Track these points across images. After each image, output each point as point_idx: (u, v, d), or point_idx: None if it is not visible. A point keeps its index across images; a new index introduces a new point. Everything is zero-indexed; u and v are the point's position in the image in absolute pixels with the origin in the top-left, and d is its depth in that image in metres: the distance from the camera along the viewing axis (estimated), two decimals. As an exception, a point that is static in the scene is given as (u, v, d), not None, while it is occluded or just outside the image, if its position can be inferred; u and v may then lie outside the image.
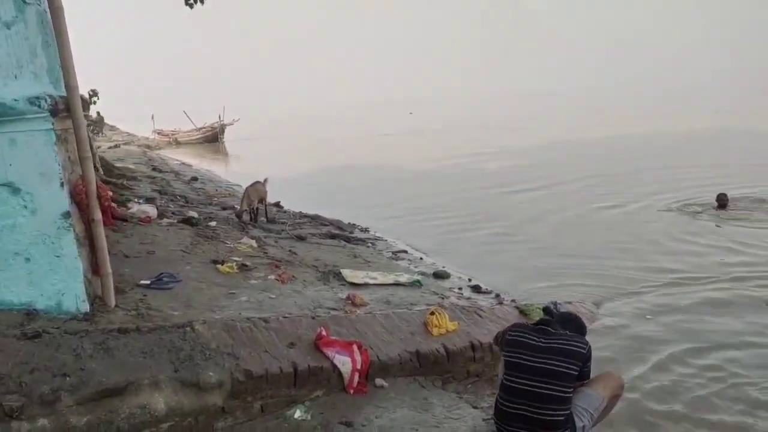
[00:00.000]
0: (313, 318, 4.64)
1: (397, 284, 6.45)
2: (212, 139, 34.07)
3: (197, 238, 7.05)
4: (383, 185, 16.62)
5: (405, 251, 9.06)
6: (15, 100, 3.73)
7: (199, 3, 9.82)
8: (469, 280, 7.55)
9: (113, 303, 4.40)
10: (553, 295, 7.04)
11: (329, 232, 9.39)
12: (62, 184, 3.98)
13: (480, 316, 5.50)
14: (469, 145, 26.39)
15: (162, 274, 5.38)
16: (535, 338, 3.36)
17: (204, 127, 35.02)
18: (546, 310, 5.98)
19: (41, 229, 3.96)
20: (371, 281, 6.41)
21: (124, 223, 6.96)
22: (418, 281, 6.59)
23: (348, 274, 6.57)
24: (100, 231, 4.27)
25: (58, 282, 4.05)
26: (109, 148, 24.08)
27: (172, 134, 36.20)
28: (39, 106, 3.79)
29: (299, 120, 60.32)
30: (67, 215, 4.02)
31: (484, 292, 6.93)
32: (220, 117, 34.40)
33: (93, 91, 12.61)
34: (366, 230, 10.71)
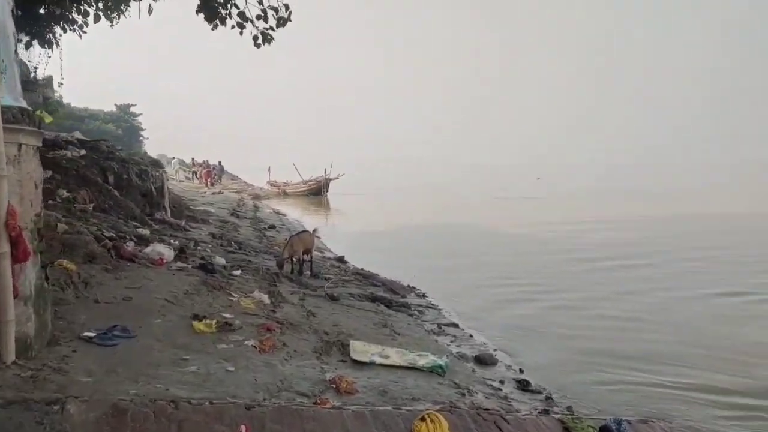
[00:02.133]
0: (249, 408, 3.45)
1: (411, 367, 5.07)
2: (317, 192, 34.68)
3: (200, 286, 6.22)
4: (470, 250, 14.77)
5: (455, 325, 7.60)
6: None
7: (266, 44, 9.52)
8: (520, 371, 5.95)
9: (11, 359, 3.55)
10: (633, 406, 5.27)
11: (371, 294, 8.20)
12: (-46, 207, 3.27)
13: (500, 429, 3.95)
14: (587, 213, 23.70)
15: (115, 326, 4.54)
16: None
17: (310, 181, 35.84)
18: (604, 429, 4.26)
19: None
20: (380, 360, 5.10)
21: (128, 264, 6.34)
22: (440, 367, 5.14)
23: (357, 347, 5.33)
24: (6, 266, 3.49)
25: (-65, 327, 3.29)
26: (212, 194, 25.04)
27: (283, 185, 37.52)
28: (-70, 112, 3.15)
29: (413, 180, 60.10)
30: (-44, 245, 3.29)
31: (532, 391, 5.32)
32: (326, 171, 35.06)
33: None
34: (423, 295, 9.38)
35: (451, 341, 6.74)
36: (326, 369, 4.71)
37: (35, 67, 15.64)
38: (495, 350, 6.64)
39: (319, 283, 8.57)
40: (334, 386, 4.31)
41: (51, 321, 4.27)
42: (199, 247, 8.71)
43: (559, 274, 11.41)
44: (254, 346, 4.77)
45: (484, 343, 6.85)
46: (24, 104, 3.83)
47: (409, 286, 9.83)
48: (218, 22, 10.20)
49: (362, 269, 10.94)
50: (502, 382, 5.45)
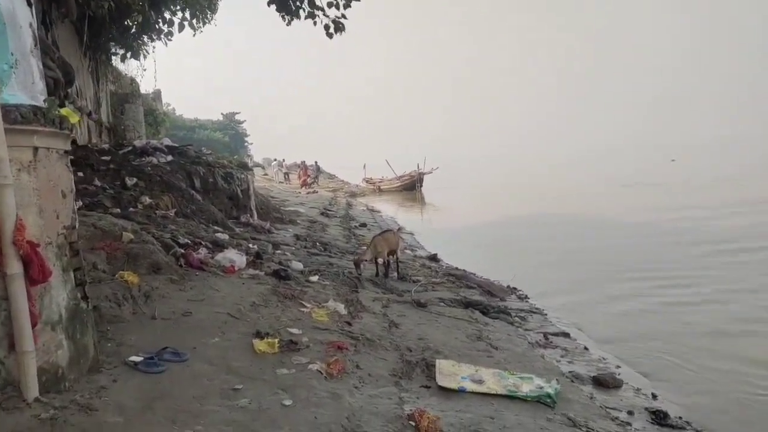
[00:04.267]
0: (296, 465, 2.70)
1: (511, 396, 4.10)
2: (410, 187, 34.06)
3: (270, 296, 5.63)
4: (587, 245, 12.93)
5: (566, 334, 6.46)
6: None
7: (338, 33, 8.91)
8: (653, 396, 4.76)
9: (32, 395, 3.06)
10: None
11: (464, 299, 7.25)
12: (-43, 222, 2.83)
13: (637, 496, 2.90)
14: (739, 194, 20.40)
15: (165, 349, 4.01)
16: None
17: (404, 176, 35.33)
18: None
19: (-77, 285, 2.83)
20: (472, 387, 4.18)
21: (197, 273, 5.91)
22: (549, 396, 4.11)
23: (444, 367, 4.46)
24: (19, 290, 3.01)
25: (-57, 361, 2.86)
26: (307, 194, 25.17)
27: (378, 182, 37.34)
28: None
29: (522, 168, 56.70)
30: (-39, 266, 2.84)
31: (672, 426, 4.14)
32: (419, 166, 34.31)
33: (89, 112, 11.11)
34: (525, 298, 8.27)
35: (561, 356, 5.64)
36: (405, 399, 3.88)
37: (132, 79, 16.30)
38: (618, 367, 5.46)
39: (406, 286, 7.77)
40: (414, 424, 3.48)
41: (95, 344, 3.81)
42: (278, 251, 8.23)
43: (704, 268, 9.62)
44: (320, 371, 4.04)
45: (603, 358, 5.68)
46: (40, 103, 3.35)
47: (509, 287, 8.75)
48: (292, 16, 9.81)
49: (456, 268, 10.00)
50: (630, 413, 4.32)
